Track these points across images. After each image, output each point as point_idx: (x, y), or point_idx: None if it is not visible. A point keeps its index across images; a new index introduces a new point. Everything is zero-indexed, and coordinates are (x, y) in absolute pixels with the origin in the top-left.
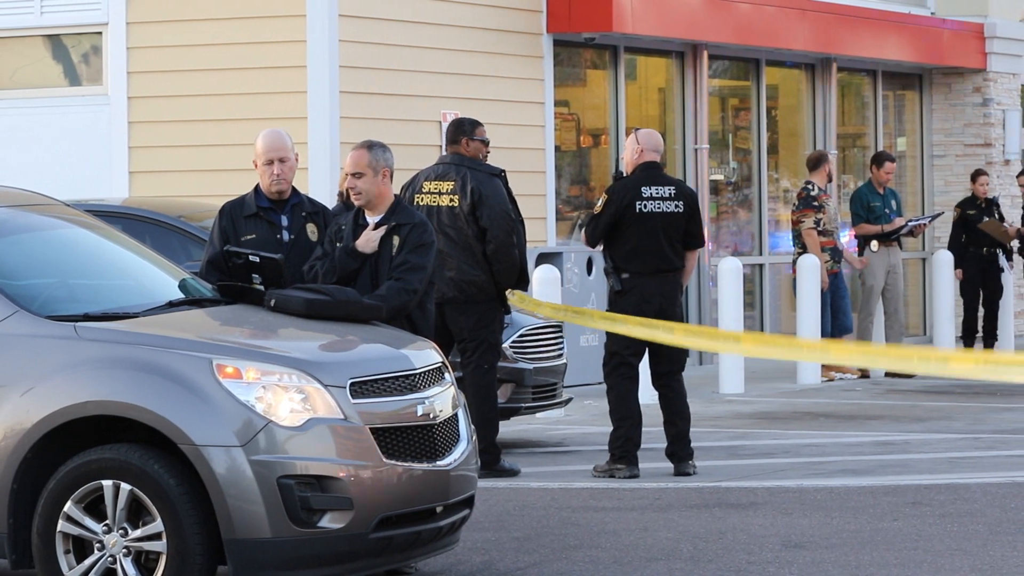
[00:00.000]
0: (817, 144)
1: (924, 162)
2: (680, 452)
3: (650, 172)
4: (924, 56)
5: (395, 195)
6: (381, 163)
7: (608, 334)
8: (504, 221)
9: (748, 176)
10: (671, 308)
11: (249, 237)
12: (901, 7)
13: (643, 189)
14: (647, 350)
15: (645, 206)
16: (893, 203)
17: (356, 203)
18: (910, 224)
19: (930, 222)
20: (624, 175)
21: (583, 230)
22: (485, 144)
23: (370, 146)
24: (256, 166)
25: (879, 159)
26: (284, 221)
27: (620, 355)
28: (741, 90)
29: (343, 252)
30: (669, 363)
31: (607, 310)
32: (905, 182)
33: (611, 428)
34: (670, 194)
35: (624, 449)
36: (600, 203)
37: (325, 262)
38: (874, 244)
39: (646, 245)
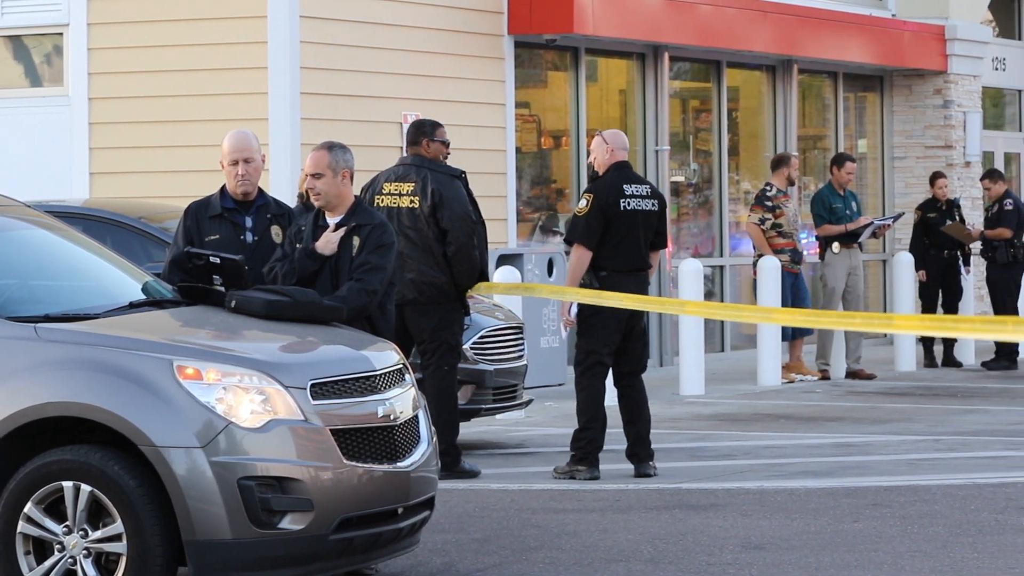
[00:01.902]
0: (778, 146)
1: (885, 164)
2: (641, 453)
3: (625, 172)
4: (885, 58)
5: (355, 196)
6: (341, 164)
7: (584, 334)
8: (465, 223)
9: (709, 178)
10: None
11: (213, 238)
12: (862, 9)
13: (625, 187)
14: None
15: (628, 204)
16: (854, 204)
17: (315, 203)
18: (875, 224)
19: (892, 223)
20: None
21: (569, 235)
22: (445, 145)
23: (330, 147)
24: (223, 167)
25: (839, 160)
26: (248, 222)
27: (597, 353)
28: (702, 92)
29: (303, 254)
30: (631, 363)
31: (582, 308)
32: (866, 184)
33: (574, 428)
34: (647, 192)
35: (587, 451)
36: (584, 203)
37: (285, 263)
38: (835, 246)
39: (626, 243)
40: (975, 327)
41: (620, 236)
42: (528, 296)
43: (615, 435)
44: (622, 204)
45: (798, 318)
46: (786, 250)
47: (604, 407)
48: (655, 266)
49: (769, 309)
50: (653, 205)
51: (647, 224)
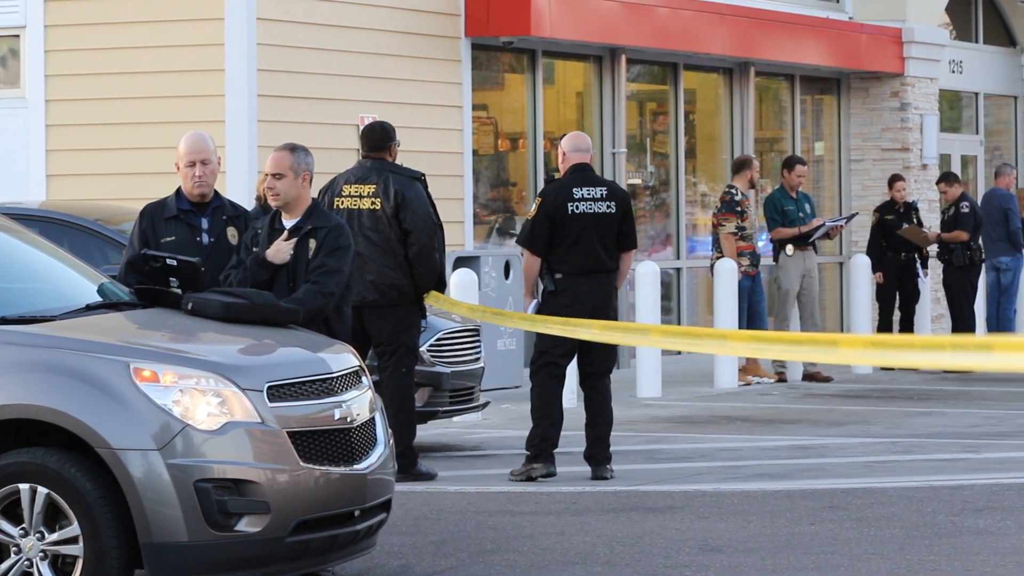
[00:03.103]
0: (735, 148)
1: (842, 166)
2: (598, 456)
3: (581, 174)
4: (842, 60)
5: (312, 198)
6: (302, 167)
7: (540, 334)
8: (427, 224)
9: (666, 180)
10: (604, 310)
11: (169, 239)
12: (819, 11)
13: (574, 190)
14: (576, 352)
15: (577, 207)
16: (807, 207)
17: (273, 204)
18: (827, 225)
19: (846, 223)
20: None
21: (518, 238)
22: (398, 145)
23: (293, 148)
24: (178, 168)
25: (790, 163)
26: (204, 224)
27: (549, 354)
28: (659, 94)
29: (254, 262)
30: (596, 364)
31: (539, 310)
32: (823, 186)
33: (529, 428)
34: (601, 195)
35: (540, 448)
36: (534, 207)
37: (239, 271)
38: (789, 248)
39: (579, 246)
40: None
41: (571, 239)
42: (495, 323)
43: (574, 437)
44: (569, 208)
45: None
46: (746, 253)
47: (559, 405)
48: (626, 268)
49: (726, 333)
50: (609, 207)
51: (602, 226)
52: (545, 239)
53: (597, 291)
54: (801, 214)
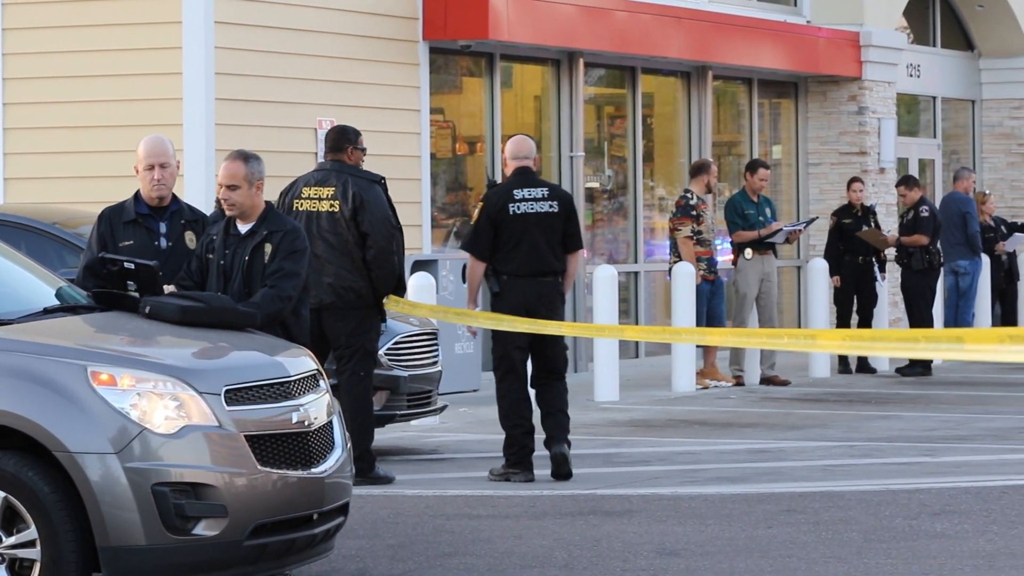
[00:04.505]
0: (693, 152)
1: (799, 170)
2: (557, 436)
3: (522, 176)
4: (800, 64)
5: (267, 202)
6: (256, 176)
7: (495, 337)
8: (385, 227)
9: (624, 184)
10: (549, 314)
11: (127, 243)
12: (777, 15)
13: (515, 192)
14: (530, 355)
15: (519, 208)
16: (768, 211)
17: (229, 214)
18: (786, 229)
19: (805, 227)
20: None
21: (463, 243)
22: (364, 152)
23: (246, 158)
24: (137, 172)
25: (753, 166)
26: (162, 228)
27: (509, 357)
28: (617, 98)
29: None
30: (547, 363)
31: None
32: (780, 190)
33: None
34: (543, 195)
35: (519, 455)
36: (476, 212)
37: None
38: (748, 252)
39: (522, 246)
40: (890, 345)
41: (514, 241)
42: (436, 319)
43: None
44: (511, 209)
45: (729, 339)
46: (703, 258)
47: (529, 411)
48: (573, 270)
49: (702, 330)
50: (552, 207)
51: (545, 226)
52: (488, 243)
53: (542, 293)
54: (761, 218)
